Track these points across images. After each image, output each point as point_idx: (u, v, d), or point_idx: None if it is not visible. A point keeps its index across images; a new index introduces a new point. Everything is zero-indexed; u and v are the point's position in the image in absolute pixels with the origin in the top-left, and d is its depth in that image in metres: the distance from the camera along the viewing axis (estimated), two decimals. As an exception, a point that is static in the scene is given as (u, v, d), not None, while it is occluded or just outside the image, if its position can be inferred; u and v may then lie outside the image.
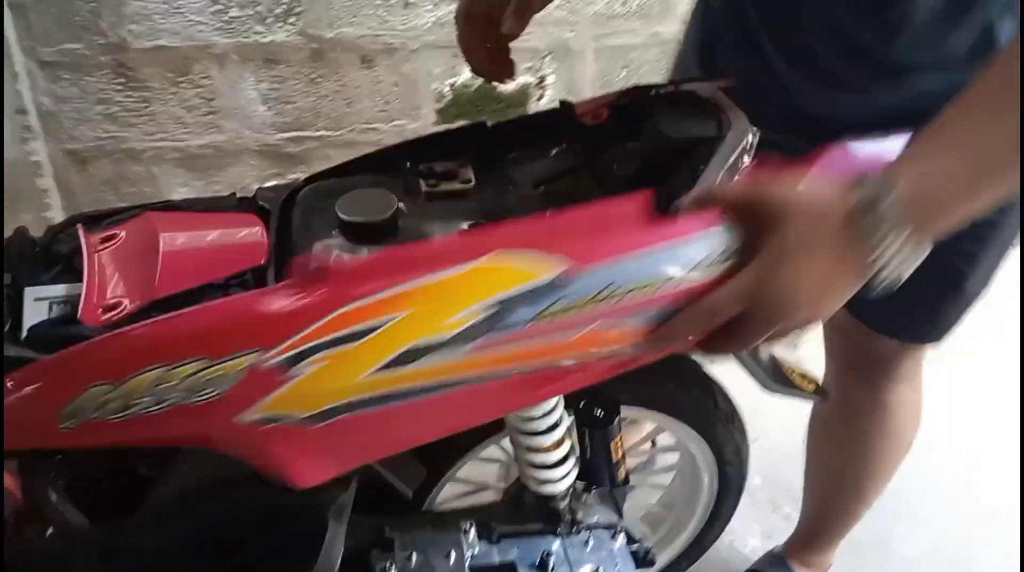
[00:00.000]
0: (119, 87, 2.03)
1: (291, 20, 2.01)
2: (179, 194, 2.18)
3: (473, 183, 0.95)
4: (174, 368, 0.73)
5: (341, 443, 0.80)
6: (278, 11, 1.98)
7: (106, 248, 0.88)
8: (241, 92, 2.09)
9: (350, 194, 0.91)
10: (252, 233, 0.89)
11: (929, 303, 1.10)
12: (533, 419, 0.98)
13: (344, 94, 2.16)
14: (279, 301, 0.73)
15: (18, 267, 0.86)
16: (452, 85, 2.20)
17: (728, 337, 0.72)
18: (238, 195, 0.99)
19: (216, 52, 2.02)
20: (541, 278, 0.70)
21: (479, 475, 1.25)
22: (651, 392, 1.09)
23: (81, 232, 0.89)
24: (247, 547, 0.90)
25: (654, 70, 2.29)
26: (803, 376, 1.12)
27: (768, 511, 1.66)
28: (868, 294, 0.71)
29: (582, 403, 1.03)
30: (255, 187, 0.97)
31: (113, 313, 0.81)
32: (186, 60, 2.02)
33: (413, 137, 1.01)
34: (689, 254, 0.72)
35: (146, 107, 2.06)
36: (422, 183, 0.94)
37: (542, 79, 2.25)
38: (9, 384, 0.75)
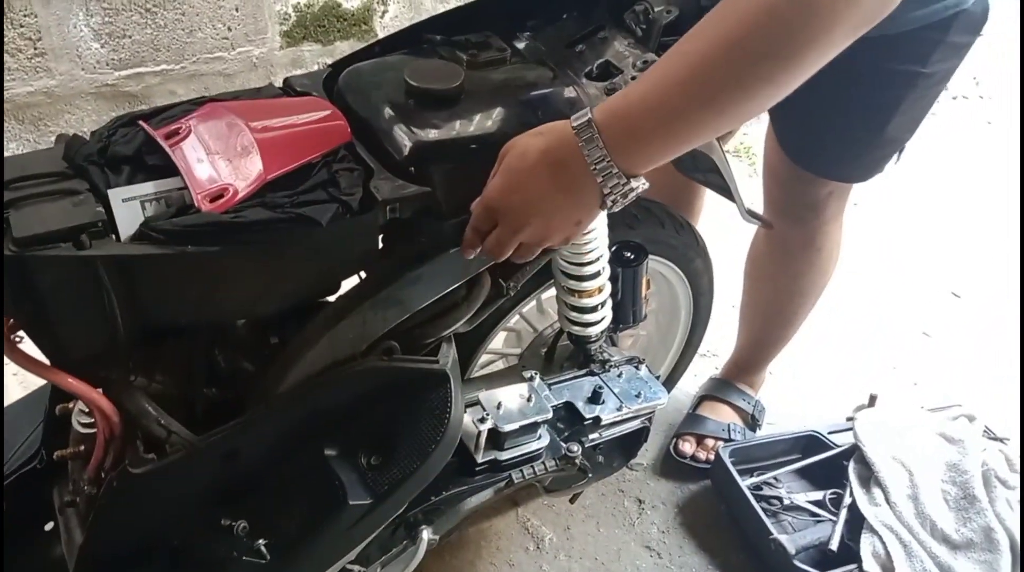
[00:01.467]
0: (-76, 33, 1.76)
1: (120, -56, 1.85)
2: (9, 151, 1.95)
3: (508, 51, 1.00)
4: None
5: None
6: (104, -66, 1.82)
7: (178, 141, 0.84)
8: (71, 29, 1.89)
9: (415, 65, 0.94)
10: (330, 113, 0.89)
11: (854, 144, 1.27)
12: (584, 265, 1.08)
13: (183, 23, 2.02)
14: None
15: (89, 172, 0.80)
16: (295, 5, 2.14)
17: (486, 246, 0.84)
18: (274, 85, 0.98)
19: (38, -16, 1.81)
20: None
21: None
22: (655, 237, 1.22)
23: (149, 129, 0.84)
24: (374, 421, 0.93)
25: (487, -20, 2.37)
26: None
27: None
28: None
29: (614, 248, 1.14)
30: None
31: (223, 200, 0.79)
32: (3, -5, 1.80)
33: (433, 15, 1.04)
34: None
35: (-42, 53, 1.81)
36: (462, 54, 0.98)
37: (384, -6, 2.25)
38: None
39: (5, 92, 1.89)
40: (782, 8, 0.68)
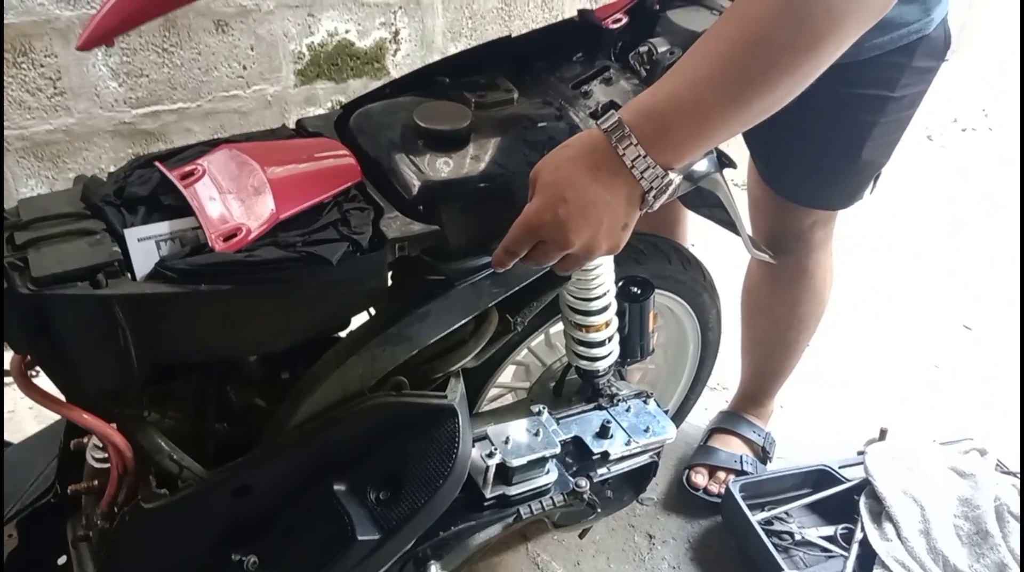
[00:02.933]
0: (-54, 73, 1.81)
1: (137, -13, 1.89)
2: (28, 187, 1.99)
3: (515, 92, 1.03)
4: None
5: None
6: (124, -23, 1.86)
7: (193, 182, 0.86)
8: (89, 69, 1.94)
9: (424, 107, 0.96)
10: (342, 153, 0.92)
11: (832, 172, 1.30)
12: (591, 300, 1.09)
13: (200, 62, 2.07)
14: None
15: (106, 212, 0.83)
16: (309, 45, 2.18)
17: (529, 259, 0.82)
18: (286, 126, 1.01)
19: (59, 27, 1.86)
20: None
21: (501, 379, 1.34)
22: (662, 273, 1.23)
23: (164, 170, 0.87)
24: (383, 456, 0.94)
25: (498, 18, 2.42)
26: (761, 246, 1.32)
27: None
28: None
29: (620, 282, 1.15)
30: (110, 169, 0.99)
31: (236, 239, 0.81)
32: (26, 37, 1.84)
33: (441, 58, 1.07)
34: None
35: (-18, 93, 1.85)
36: (470, 96, 1.01)
37: (396, 33, 2.29)
38: None
39: (26, 129, 1.93)
40: (798, 3, 0.72)
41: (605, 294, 1.09)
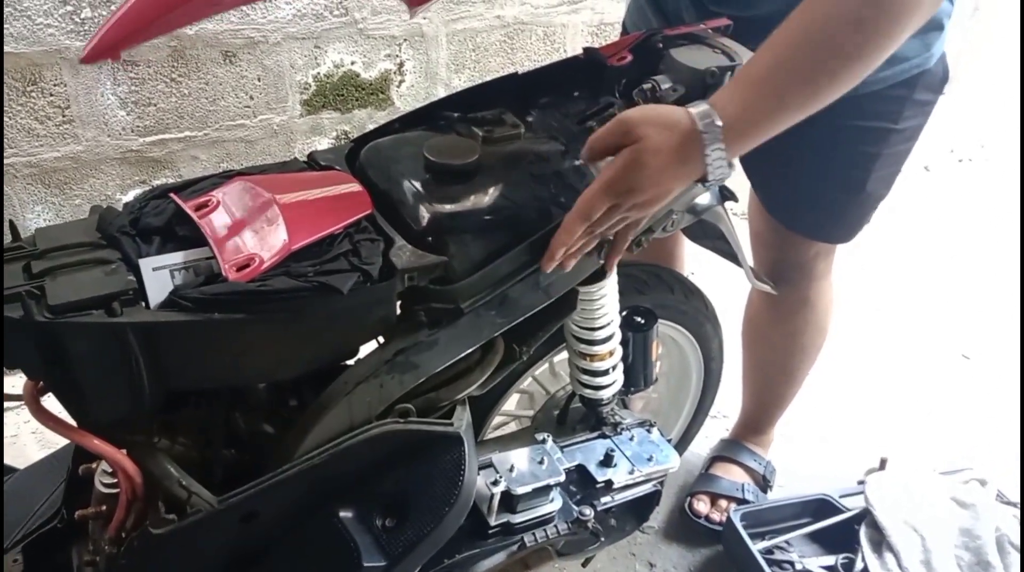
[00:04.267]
0: (-44, 102, 1.83)
1: (147, 18, 1.92)
2: (35, 213, 2.01)
3: (522, 128, 1.05)
4: None
5: None
6: (134, 9, 1.89)
7: (207, 213, 0.88)
8: (98, 97, 1.97)
9: (433, 142, 0.98)
10: (353, 186, 0.94)
11: (837, 204, 1.33)
12: (595, 329, 1.10)
13: (207, 92, 2.10)
14: None
15: (121, 242, 0.84)
16: (315, 76, 2.22)
17: (595, 227, 0.90)
18: (298, 159, 1.03)
19: (69, 56, 1.89)
20: None
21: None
22: (664, 303, 1.25)
23: (179, 201, 0.89)
24: (389, 483, 0.94)
25: (500, 50, 2.46)
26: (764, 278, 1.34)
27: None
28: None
29: (624, 312, 1.17)
30: (125, 199, 1.01)
31: (249, 269, 0.83)
32: (36, 67, 1.87)
33: (449, 94, 1.09)
34: None
35: (-9, 120, 1.88)
36: (477, 130, 1.03)
37: (401, 65, 2.33)
38: None
39: (35, 156, 1.96)
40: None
41: (609, 324, 1.11)
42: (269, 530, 0.92)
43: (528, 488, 1.05)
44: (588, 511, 1.09)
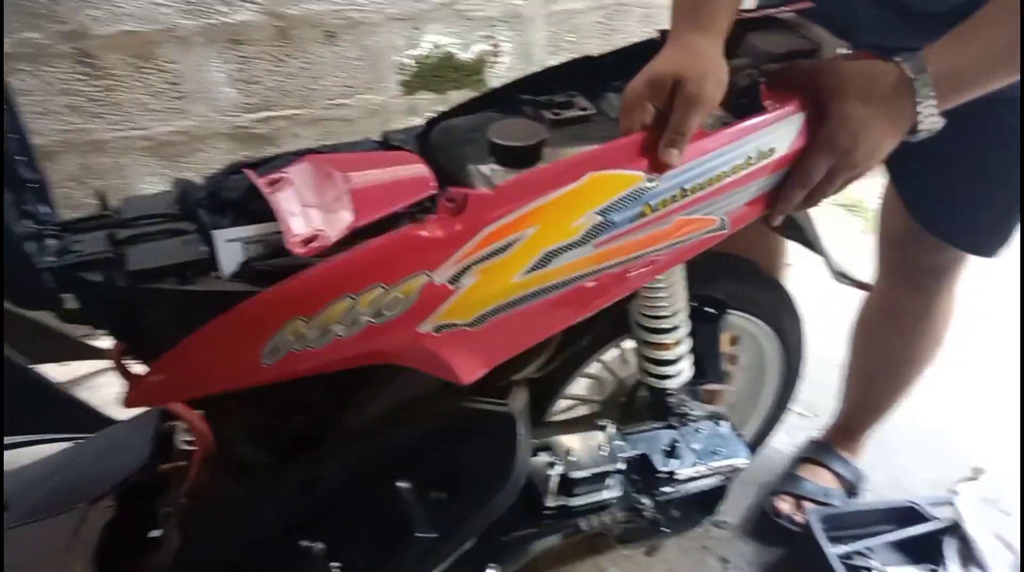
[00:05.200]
0: (81, 76, 1.95)
1: (254, -2, 2.00)
2: (147, 184, 2.13)
3: (592, 110, 1.04)
4: (360, 296, 0.81)
5: (494, 341, 0.90)
6: (242, -11, 1.97)
7: (278, 189, 0.91)
8: (207, 75, 2.06)
9: (499, 123, 0.98)
10: (418, 167, 0.95)
11: (985, 213, 1.23)
12: (661, 317, 1.09)
13: (310, 72, 2.16)
14: (434, 231, 0.83)
15: (198, 214, 0.88)
16: (413, 56, 2.25)
17: (813, 195, 0.94)
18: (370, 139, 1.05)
19: (180, 35, 1.98)
20: (628, 190, 0.87)
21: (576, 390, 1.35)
22: (735, 294, 1.22)
23: (254, 177, 0.92)
24: (445, 458, 0.96)
25: (599, 32, 2.43)
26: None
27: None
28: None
29: (693, 302, 1.15)
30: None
31: (315, 244, 0.85)
32: (150, 45, 1.97)
33: (523, 75, 1.09)
34: (742, 150, 0.91)
35: (111, 95, 1.99)
36: (546, 113, 1.02)
37: (497, 46, 2.33)
38: (210, 330, 0.81)
39: (148, 130, 2.07)
40: None
41: (676, 313, 1.09)
42: (330, 496, 0.95)
43: (584, 473, 1.05)
44: (646, 500, 1.08)
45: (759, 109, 0.92)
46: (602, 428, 1.12)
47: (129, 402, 0.87)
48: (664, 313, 1.08)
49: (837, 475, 1.59)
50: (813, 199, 0.95)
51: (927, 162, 1.18)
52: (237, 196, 0.91)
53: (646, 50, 1.09)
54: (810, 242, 1.12)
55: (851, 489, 1.59)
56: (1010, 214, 1.22)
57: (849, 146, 0.89)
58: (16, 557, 1.05)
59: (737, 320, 1.27)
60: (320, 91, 2.20)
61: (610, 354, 1.26)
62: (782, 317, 1.29)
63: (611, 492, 1.08)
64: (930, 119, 0.88)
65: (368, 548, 0.95)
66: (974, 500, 1.43)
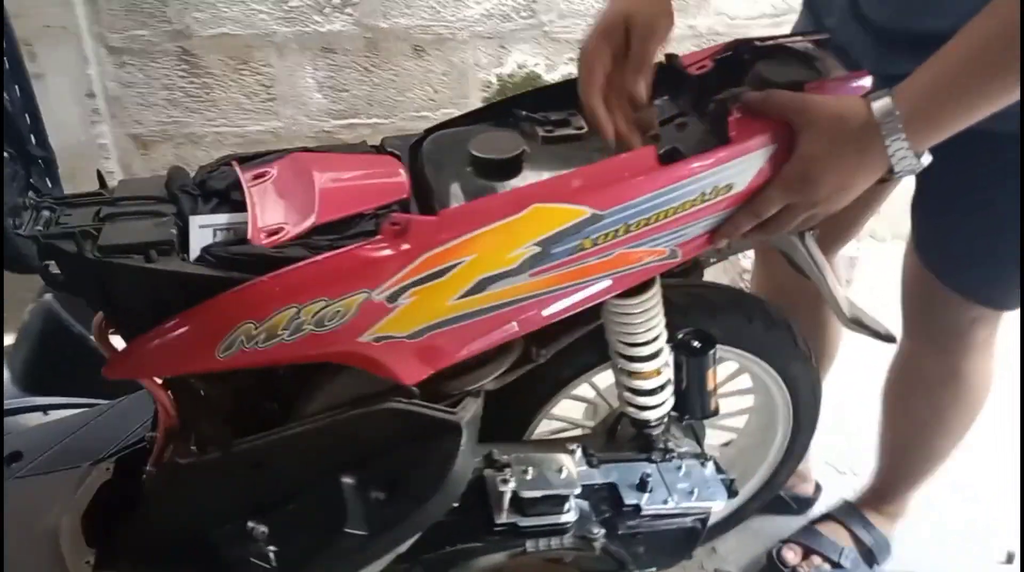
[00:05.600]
0: (183, 73, 2.11)
1: (348, 10, 2.10)
2: (236, 178, 2.26)
3: (585, 129, 1.03)
4: (304, 307, 0.85)
5: (435, 350, 0.93)
6: (336, 1, 2.08)
7: (260, 183, 0.96)
8: (299, 80, 2.18)
9: (482, 136, 1.00)
10: (395, 171, 0.98)
11: (997, 260, 1.15)
12: (636, 345, 1.07)
13: (396, 83, 2.25)
14: (377, 253, 0.86)
15: (180, 199, 0.94)
16: (499, 75, 2.29)
17: (770, 224, 0.92)
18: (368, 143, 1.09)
19: (276, 41, 2.11)
20: (570, 223, 0.87)
21: (569, 413, 1.34)
22: (737, 331, 1.18)
23: (237, 169, 0.97)
24: (388, 459, 0.98)
25: (686, 61, 2.39)
26: (876, 321, 1.20)
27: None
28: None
29: (680, 335, 1.12)
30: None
31: (277, 236, 0.89)
32: (247, 48, 2.11)
33: (526, 90, 1.10)
34: (695, 187, 0.90)
35: (208, 93, 2.15)
36: (539, 130, 1.03)
37: (584, 70, 2.34)
38: (177, 322, 0.87)
39: (241, 128, 2.21)
40: None
41: (654, 340, 1.06)
42: (279, 482, 0.99)
43: (537, 493, 1.04)
44: (598, 530, 1.06)
45: (724, 140, 0.90)
46: (571, 452, 1.10)
47: (105, 372, 0.94)
48: (639, 340, 1.06)
49: (856, 538, 1.49)
50: (769, 231, 0.92)
51: (939, 208, 1.12)
52: (222, 186, 0.97)
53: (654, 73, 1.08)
54: (803, 271, 1.07)
55: (869, 556, 1.49)
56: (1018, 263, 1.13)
57: (809, 187, 0.87)
58: (21, 503, 1.14)
59: (743, 361, 1.23)
60: (405, 103, 2.28)
61: (605, 379, 1.24)
62: (789, 361, 1.23)
63: (567, 516, 1.06)
64: (905, 161, 0.84)
65: (305, 538, 0.98)
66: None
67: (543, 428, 1.28)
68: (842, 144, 0.85)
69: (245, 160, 1.01)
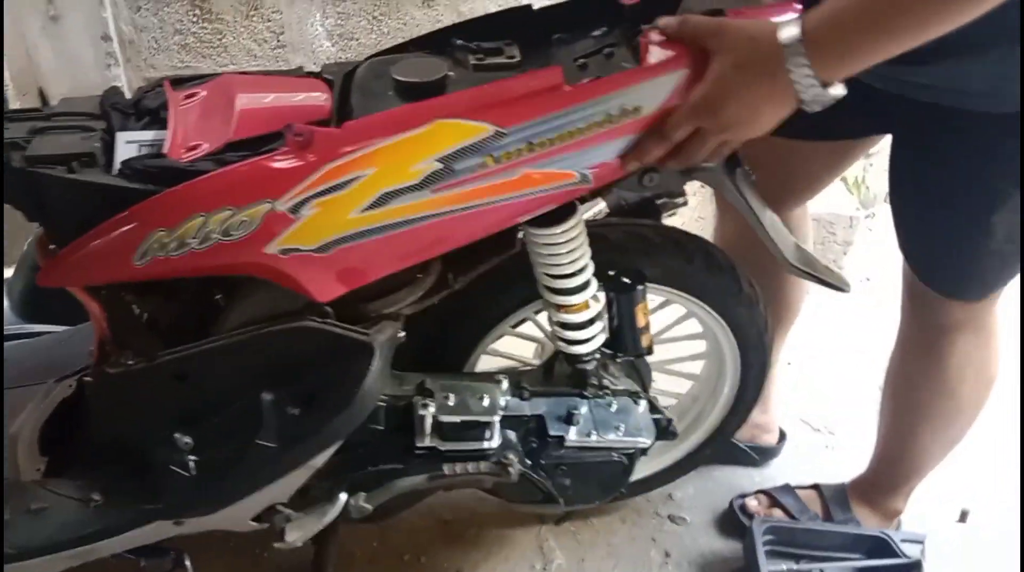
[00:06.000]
0: (195, 19, 2.15)
1: (357, -42, 2.11)
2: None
3: (518, 59, 1.03)
4: (211, 215, 0.88)
5: (346, 267, 0.94)
6: (345, -51, 2.09)
7: (188, 103, 0.99)
8: (308, 27, 2.20)
9: (406, 61, 1.01)
10: (317, 94, 0.99)
11: (952, 247, 1.11)
12: (561, 277, 1.07)
13: (404, 32, 2.25)
14: (281, 163, 0.88)
15: (111, 117, 0.98)
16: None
17: (681, 151, 0.91)
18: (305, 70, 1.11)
19: (286, -14, 2.13)
20: (471, 139, 0.88)
21: (521, 353, 1.35)
22: (677, 272, 1.16)
23: (167, 88, 1.00)
24: (303, 376, 1.01)
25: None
26: (827, 267, 1.17)
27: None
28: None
29: (610, 272, 1.12)
30: None
31: (192, 152, 0.92)
32: (258, -6, 2.14)
33: (463, 20, 1.10)
34: (600, 108, 0.89)
35: (220, 39, 2.18)
36: (471, 58, 1.03)
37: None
38: (97, 231, 0.90)
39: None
40: None
41: (579, 272, 1.06)
42: (204, 394, 1.03)
43: (456, 419, 1.05)
44: (512, 456, 1.07)
45: (635, 64, 0.89)
46: (498, 382, 1.11)
47: (39, 280, 0.98)
48: (564, 272, 1.06)
49: (827, 509, 1.46)
50: (682, 159, 0.91)
51: (912, 190, 1.13)
52: (154, 106, 1.00)
53: (586, 6, 1.07)
54: (746, 207, 1.05)
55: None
56: (975, 251, 1.09)
57: (716, 109, 0.86)
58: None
59: (686, 303, 1.22)
60: (413, 52, 2.28)
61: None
62: (733, 304, 1.21)
63: (489, 443, 1.08)
64: (811, 90, 0.82)
65: (225, 448, 1.02)
66: (948, 542, 1.28)
67: (495, 366, 1.29)
68: (749, 67, 0.84)
69: (181, 82, 1.04)
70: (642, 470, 1.40)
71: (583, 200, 1.22)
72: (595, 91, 0.88)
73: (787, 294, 1.46)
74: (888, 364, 1.36)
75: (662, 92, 0.89)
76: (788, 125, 1.15)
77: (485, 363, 1.27)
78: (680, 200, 1.30)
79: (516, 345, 1.34)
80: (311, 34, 2.21)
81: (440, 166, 0.89)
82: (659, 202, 1.31)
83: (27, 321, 1.65)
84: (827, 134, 1.21)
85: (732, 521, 1.48)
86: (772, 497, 1.49)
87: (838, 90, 0.84)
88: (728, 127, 0.87)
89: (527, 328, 1.29)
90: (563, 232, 1.03)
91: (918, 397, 1.30)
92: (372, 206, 0.89)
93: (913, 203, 1.15)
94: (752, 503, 1.47)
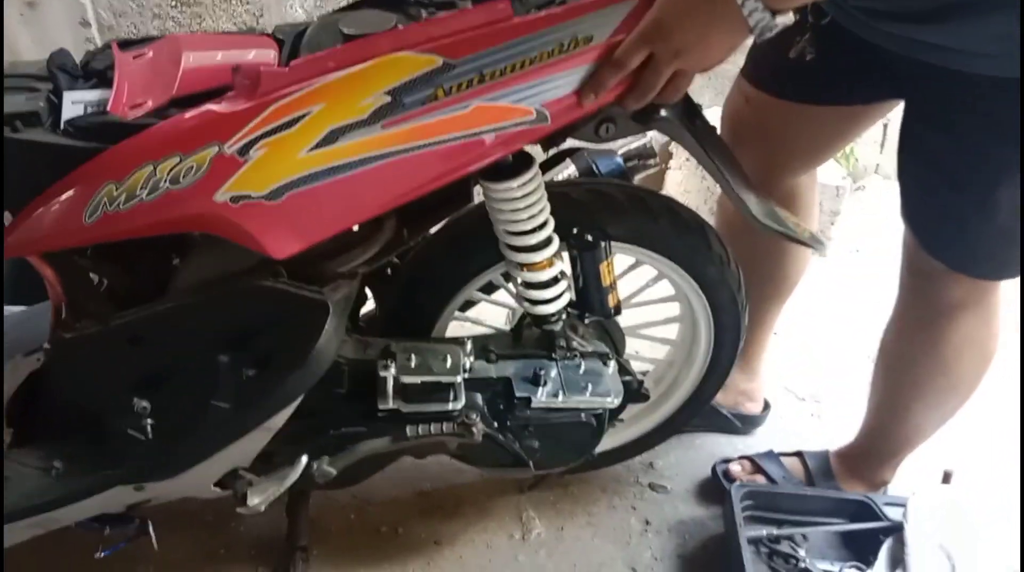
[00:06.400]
0: (174, 3, 2.13)
1: (336, -61, 2.09)
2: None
3: (472, 10, 1.01)
4: (159, 164, 0.86)
5: (301, 218, 0.91)
6: (324, -70, 2.07)
7: (136, 63, 0.98)
8: (288, 10, 2.18)
9: (354, 14, 0.99)
10: (264, 52, 0.98)
11: (962, 221, 1.08)
12: (521, 234, 1.05)
13: (384, 13, 2.23)
14: (227, 106, 0.87)
15: (57, 78, 0.96)
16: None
17: (638, 85, 0.89)
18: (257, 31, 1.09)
19: (264, -32, 2.12)
20: (420, 71, 0.86)
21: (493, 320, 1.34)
22: (643, 230, 1.14)
23: (115, 50, 0.99)
24: (258, 337, 0.99)
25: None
26: (798, 224, 1.15)
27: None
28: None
29: (574, 230, 1.10)
30: None
31: (137, 110, 0.91)
32: (236, -23, 2.12)
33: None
34: (552, 37, 0.88)
35: (199, 23, 2.16)
36: (423, 12, 1.01)
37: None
38: (48, 193, 0.89)
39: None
40: None
41: (539, 228, 1.04)
42: (156, 358, 1.01)
43: (416, 380, 1.04)
44: (475, 416, 1.05)
45: None
46: (462, 344, 1.10)
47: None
48: (524, 228, 1.04)
49: (810, 476, 1.44)
50: (638, 93, 0.90)
51: (922, 169, 1.10)
52: (102, 67, 0.99)
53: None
54: (705, 158, 1.02)
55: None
56: (985, 228, 1.07)
57: (665, 33, 0.85)
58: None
59: (655, 263, 1.20)
60: (394, 33, 2.27)
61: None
62: (702, 265, 1.18)
63: (453, 405, 1.06)
64: (757, 14, 0.81)
65: (182, 411, 1.00)
66: (933, 505, 1.25)
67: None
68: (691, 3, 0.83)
69: (130, 44, 1.03)
70: (619, 437, 1.38)
71: (552, 163, 1.21)
72: (546, 22, 0.87)
73: (786, 269, 1.44)
74: (882, 338, 1.33)
75: (613, 20, 0.88)
76: (799, 88, 1.14)
77: (459, 332, 1.25)
78: (652, 162, 1.28)
79: (490, 313, 1.32)
80: (291, 16, 2.20)
81: (388, 99, 0.87)
82: (630, 164, 1.29)
83: (13, 303, 1.66)
84: (838, 99, 1.19)
85: (714, 488, 1.47)
86: (755, 463, 1.47)
87: (787, 18, 0.83)
88: (680, 52, 0.86)
89: (500, 295, 1.27)
90: (520, 186, 1.01)
91: (915, 373, 1.27)
92: (321, 144, 0.87)
93: (921, 174, 1.11)
94: (735, 468, 1.45)
